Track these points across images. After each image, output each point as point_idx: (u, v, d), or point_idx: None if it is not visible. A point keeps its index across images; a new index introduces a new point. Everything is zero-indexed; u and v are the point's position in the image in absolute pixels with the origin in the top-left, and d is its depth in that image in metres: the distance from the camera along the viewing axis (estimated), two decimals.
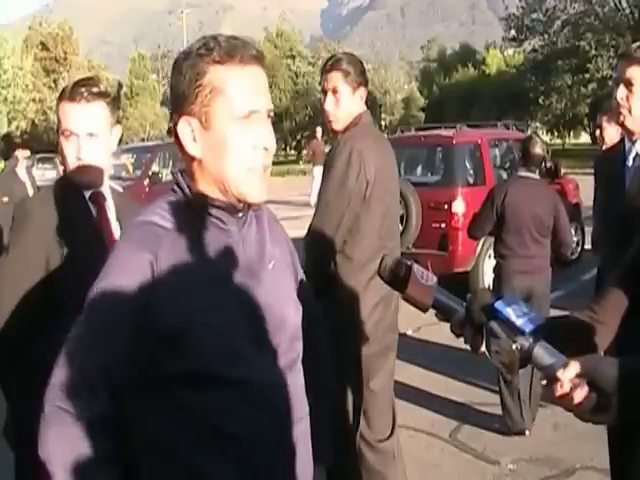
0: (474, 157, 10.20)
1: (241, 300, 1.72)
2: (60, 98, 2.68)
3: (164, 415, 1.69)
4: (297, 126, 61.97)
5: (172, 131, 1.74)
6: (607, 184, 3.62)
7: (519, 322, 1.57)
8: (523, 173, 5.61)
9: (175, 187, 1.77)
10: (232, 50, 1.65)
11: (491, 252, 9.68)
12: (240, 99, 1.66)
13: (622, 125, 3.34)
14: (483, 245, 9.57)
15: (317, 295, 3.70)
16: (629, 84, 3.20)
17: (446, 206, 9.36)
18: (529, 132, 23.22)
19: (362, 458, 3.75)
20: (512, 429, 5.40)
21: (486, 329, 1.61)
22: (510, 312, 1.59)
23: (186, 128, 1.69)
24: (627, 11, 41.22)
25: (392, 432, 3.81)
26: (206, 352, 1.64)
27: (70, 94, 2.64)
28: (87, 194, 2.74)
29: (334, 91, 3.68)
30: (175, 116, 1.71)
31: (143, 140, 42.05)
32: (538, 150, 5.52)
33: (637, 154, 3.35)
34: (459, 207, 9.31)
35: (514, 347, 1.56)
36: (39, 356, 2.17)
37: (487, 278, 9.71)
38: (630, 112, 3.24)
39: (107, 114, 2.69)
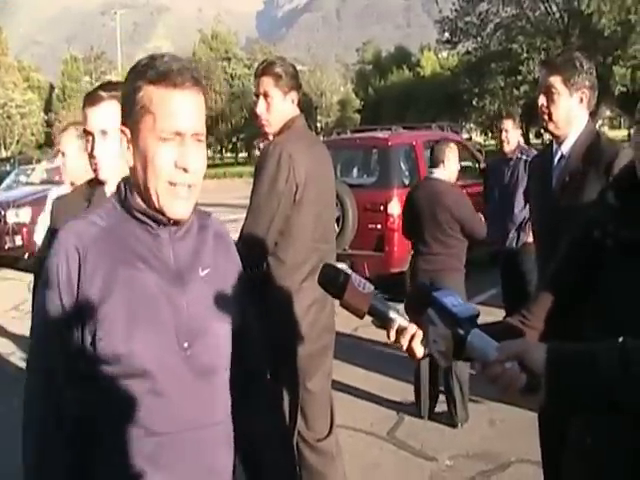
0: (409, 158, 10.35)
1: (159, 302, 1.79)
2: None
3: (88, 406, 1.77)
4: (233, 128, 61.90)
5: None
6: (537, 185, 3.77)
7: (455, 310, 1.62)
8: (428, 175, 6.05)
9: (116, 192, 1.88)
10: (166, 72, 1.73)
11: None
12: (165, 120, 1.73)
13: (546, 130, 3.56)
14: None
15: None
16: (549, 92, 3.43)
17: (382, 207, 9.46)
18: (464, 134, 23.58)
19: (301, 457, 3.77)
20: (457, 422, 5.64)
21: (425, 317, 1.66)
22: (447, 301, 1.65)
23: (123, 137, 1.80)
24: (557, 15, 41.98)
25: (330, 431, 3.84)
26: (118, 344, 1.72)
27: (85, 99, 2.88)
28: (109, 192, 2.82)
29: (265, 95, 3.70)
30: (120, 124, 1.83)
31: None
32: (439, 150, 5.86)
33: (562, 155, 3.51)
34: (395, 208, 9.39)
35: (450, 333, 1.61)
36: None
37: None
38: (550, 118, 3.46)
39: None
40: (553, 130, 3.49)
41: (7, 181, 19.55)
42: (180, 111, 1.74)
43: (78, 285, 1.74)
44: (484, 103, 44.40)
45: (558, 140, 3.53)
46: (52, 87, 71.95)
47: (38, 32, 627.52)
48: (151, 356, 1.75)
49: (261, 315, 3.65)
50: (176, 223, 1.83)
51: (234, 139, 63.93)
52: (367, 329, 7.79)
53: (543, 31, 41.83)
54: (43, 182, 15.03)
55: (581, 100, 3.43)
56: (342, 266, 1.79)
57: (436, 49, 63.26)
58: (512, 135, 6.82)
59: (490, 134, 57.50)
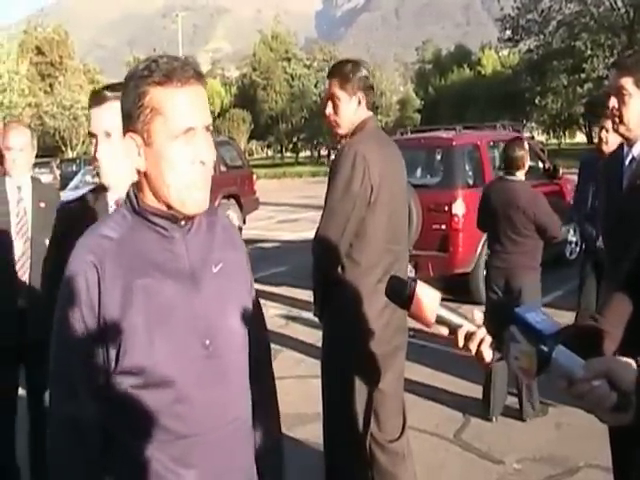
0: (473, 158, 10.28)
1: (177, 306, 1.83)
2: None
3: (111, 410, 1.81)
4: (293, 128, 62.04)
5: None
6: (608, 186, 3.72)
7: (538, 327, 1.61)
8: (502, 175, 6.08)
9: (126, 199, 1.91)
10: (170, 72, 1.77)
11: None
12: (177, 118, 1.77)
13: (617, 132, 3.49)
14: (483, 246, 9.62)
15: (323, 299, 3.79)
16: (620, 94, 3.34)
17: (446, 207, 9.41)
18: (526, 133, 23.29)
19: (373, 458, 3.80)
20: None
21: (506, 334, 1.66)
22: (530, 318, 1.63)
23: (132, 144, 1.82)
24: (622, 11, 41.29)
25: (402, 433, 3.85)
26: (141, 357, 1.76)
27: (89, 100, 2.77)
28: (113, 198, 2.78)
29: (332, 97, 3.74)
30: (124, 132, 1.85)
31: None
32: (518, 153, 5.86)
33: (633, 157, 3.46)
34: (459, 208, 9.37)
35: (534, 351, 1.60)
36: None
37: None
38: (622, 120, 3.39)
39: None
40: (624, 132, 3.42)
41: (74, 181, 19.97)
42: (190, 107, 1.79)
43: (99, 301, 1.77)
44: (546, 102, 43.84)
45: (629, 142, 3.47)
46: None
47: (101, 36, 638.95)
48: (174, 364, 1.79)
49: (333, 316, 3.72)
50: (189, 220, 1.87)
51: (294, 139, 64.07)
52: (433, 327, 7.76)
53: (607, 27, 41.14)
54: None
55: None
56: (409, 276, 1.81)
57: (497, 47, 62.65)
58: (612, 135, 6.19)
59: (552, 133, 56.75)
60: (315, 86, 62.03)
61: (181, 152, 1.78)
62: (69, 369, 1.80)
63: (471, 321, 1.79)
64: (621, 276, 2.04)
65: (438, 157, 10.72)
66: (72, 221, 2.77)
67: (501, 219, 5.76)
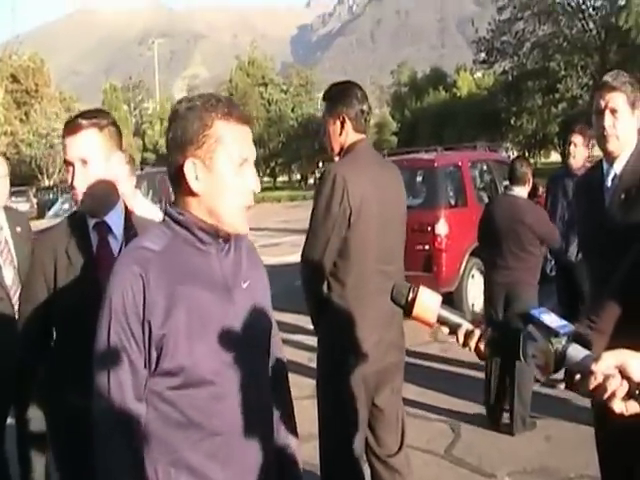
0: (455, 179, 10.45)
1: (214, 314, 2.01)
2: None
3: (153, 409, 1.97)
4: (270, 153, 62.15)
5: (171, 169, 2.03)
6: (587, 206, 3.77)
7: (554, 325, 1.75)
8: (506, 191, 6.19)
9: (166, 217, 2.08)
10: (232, 109, 2.01)
11: (474, 272, 9.90)
12: (237, 149, 2.01)
13: (607, 151, 3.54)
14: (466, 265, 9.77)
15: (315, 318, 3.86)
16: (614, 111, 3.45)
17: (429, 228, 9.54)
18: (502, 152, 23.59)
19: (373, 472, 3.87)
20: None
21: (524, 334, 1.79)
22: (546, 317, 1.78)
23: (191, 168, 1.99)
24: (594, 32, 41.93)
25: (400, 448, 3.91)
26: (183, 358, 1.93)
27: (64, 128, 2.82)
28: (91, 223, 2.86)
29: (323, 120, 3.91)
30: (179, 157, 2.00)
31: None
32: (524, 169, 6.01)
33: (615, 174, 3.53)
34: (442, 229, 9.51)
35: (551, 348, 1.73)
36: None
37: (471, 297, 9.90)
38: (618, 138, 3.47)
39: (99, 140, 2.80)
40: (615, 150, 3.49)
41: (54, 209, 20.04)
42: (247, 141, 2.05)
43: (144, 308, 1.92)
44: (522, 122, 44.31)
45: (610, 160, 3.55)
46: None
47: (77, 63, 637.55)
48: (211, 365, 1.98)
49: (326, 334, 3.79)
50: (226, 239, 2.08)
51: (272, 163, 64.21)
52: (421, 347, 7.87)
53: (580, 48, 41.74)
54: None
55: (638, 118, 3.48)
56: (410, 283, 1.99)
57: (472, 69, 63.24)
58: (580, 151, 6.77)
59: (528, 153, 57.17)
60: (292, 110, 62.30)
61: (238, 178, 2.01)
62: (114, 373, 1.93)
63: (468, 320, 1.96)
64: (614, 283, 2.17)
65: (420, 178, 10.86)
66: (52, 245, 2.86)
67: (505, 234, 5.86)
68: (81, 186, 2.76)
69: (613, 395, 1.62)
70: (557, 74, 40.53)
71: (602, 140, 3.52)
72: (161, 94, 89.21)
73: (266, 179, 68.45)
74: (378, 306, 3.62)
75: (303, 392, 5.66)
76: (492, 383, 5.99)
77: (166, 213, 2.08)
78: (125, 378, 1.92)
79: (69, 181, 2.80)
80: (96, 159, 2.78)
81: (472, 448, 5.64)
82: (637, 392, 1.61)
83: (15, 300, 4.09)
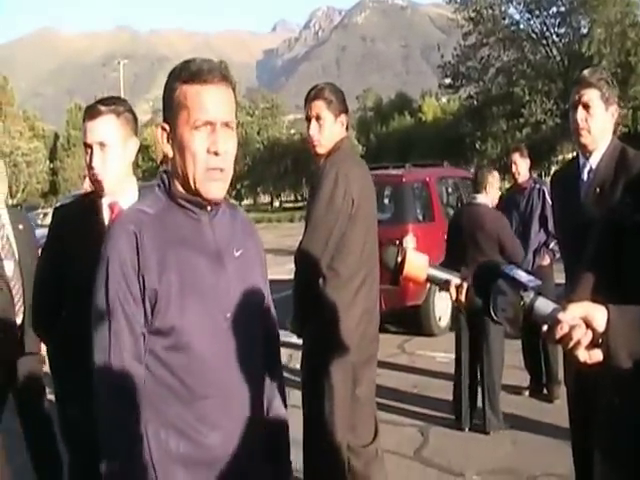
0: (423, 194, 10.62)
1: (205, 279, 2.05)
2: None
3: (145, 370, 2.01)
4: (236, 175, 61.24)
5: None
6: (563, 200, 3.89)
7: (523, 279, 1.86)
8: (470, 200, 6.43)
9: (159, 183, 2.14)
10: (197, 71, 2.03)
11: None
12: (197, 112, 2.02)
13: (580, 144, 3.68)
14: None
15: (304, 314, 3.93)
16: (587, 106, 3.60)
17: (397, 242, 9.64)
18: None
19: (348, 465, 3.94)
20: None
21: (494, 288, 1.89)
22: (514, 273, 1.89)
23: (160, 132, 2.10)
24: (558, 58, 42.68)
25: (375, 437, 4.02)
26: (173, 318, 1.98)
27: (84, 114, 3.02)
28: (106, 203, 3.01)
29: (317, 118, 3.94)
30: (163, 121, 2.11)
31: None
32: (483, 177, 6.20)
33: (591, 168, 3.67)
34: (410, 243, 9.56)
35: (520, 301, 1.82)
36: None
37: (437, 311, 10.01)
38: (589, 132, 3.61)
39: (117, 126, 2.99)
40: (589, 144, 3.62)
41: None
42: (210, 103, 2.03)
43: (138, 265, 1.96)
44: (486, 147, 44.71)
45: (586, 153, 3.67)
46: (57, 136, 72.50)
47: (39, 85, 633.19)
48: (200, 328, 2.01)
49: (315, 327, 3.87)
50: (213, 206, 2.10)
51: (238, 186, 64.10)
52: (390, 358, 8.01)
53: (544, 74, 42.34)
54: None
55: (612, 115, 3.63)
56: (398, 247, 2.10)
57: (437, 94, 63.81)
58: (522, 166, 7.12)
59: None
60: (258, 134, 62.32)
61: (198, 142, 2.02)
62: (113, 332, 1.97)
63: (456, 275, 2.09)
64: (586, 255, 2.29)
65: (388, 193, 10.99)
66: (68, 219, 3.06)
67: (468, 242, 5.96)
68: (98, 167, 2.95)
69: (578, 344, 1.71)
70: (521, 99, 40.98)
71: (575, 134, 3.66)
72: None
73: (232, 202, 68.24)
74: (365, 297, 3.78)
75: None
76: (462, 384, 6.10)
77: (160, 179, 2.15)
78: (124, 337, 1.96)
79: (87, 162, 2.99)
80: (113, 143, 2.97)
81: (441, 450, 5.74)
82: (600, 341, 1.71)
83: (15, 292, 4.28)
